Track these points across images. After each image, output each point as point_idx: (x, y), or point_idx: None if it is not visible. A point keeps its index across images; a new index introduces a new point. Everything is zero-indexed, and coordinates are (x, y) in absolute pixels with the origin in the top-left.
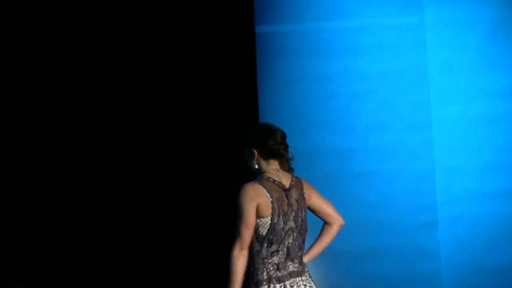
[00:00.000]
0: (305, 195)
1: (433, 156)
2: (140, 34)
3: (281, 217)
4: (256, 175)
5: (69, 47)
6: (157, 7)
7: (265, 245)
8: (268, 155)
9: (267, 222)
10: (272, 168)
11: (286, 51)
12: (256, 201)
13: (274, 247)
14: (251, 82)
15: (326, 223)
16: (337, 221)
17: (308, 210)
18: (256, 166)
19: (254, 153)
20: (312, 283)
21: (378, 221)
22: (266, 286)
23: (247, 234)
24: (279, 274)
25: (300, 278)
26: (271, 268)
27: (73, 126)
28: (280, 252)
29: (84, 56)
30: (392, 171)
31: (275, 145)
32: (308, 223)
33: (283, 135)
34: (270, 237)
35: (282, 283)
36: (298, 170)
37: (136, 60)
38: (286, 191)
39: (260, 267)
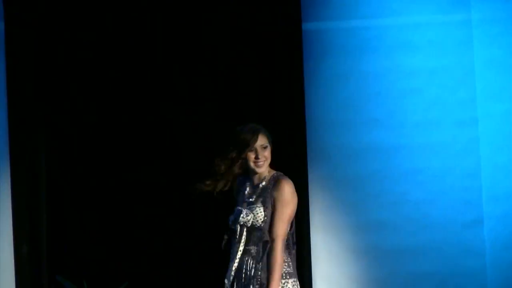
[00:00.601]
0: None
1: (480, 153)
2: (187, 32)
3: None
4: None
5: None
6: (205, 3)
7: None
8: None
9: None
10: None
11: (333, 49)
12: None
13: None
14: (298, 79)
15: None
16: None
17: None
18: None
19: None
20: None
21: (424, 218)
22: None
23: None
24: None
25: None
26: (285, 265)
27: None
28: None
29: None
30: (439, 169)
31: None
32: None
33: None
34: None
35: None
36: (345, 167)
37: (182, 58)
38: None
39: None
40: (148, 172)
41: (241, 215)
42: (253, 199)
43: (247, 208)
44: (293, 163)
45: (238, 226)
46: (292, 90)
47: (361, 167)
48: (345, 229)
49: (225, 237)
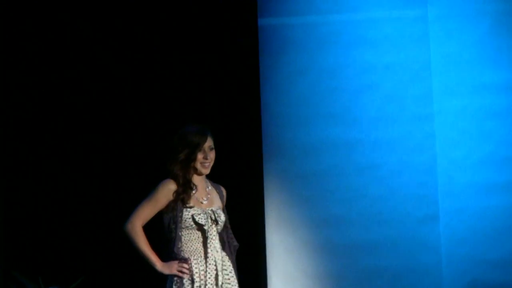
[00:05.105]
0: None
1: (435, 149)
2: (143, 30)
3: None
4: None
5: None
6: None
7: None
8: None
9: None
10: None
11: (289, 45)
12: None
13: None
14: (254, 75)
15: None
16: None
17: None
18: None
19: None
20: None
21: (380, 214)
22: None
23: None
24: None
25: None
26: None
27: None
28: None
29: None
30: (394, 164)
31: None
32: None
33: None
34: None
35: None
36: (301, 163)
37: (140, 57)
38: None
39: None
40: (106, 167)
41: (219, 215)
42: (206, 202)
43: (217, 210)
44: (248, 158)
45: (215, 226)
46: (248, 86)
47: (317, 163)
48: (301, 224)
49: (181, 235)
